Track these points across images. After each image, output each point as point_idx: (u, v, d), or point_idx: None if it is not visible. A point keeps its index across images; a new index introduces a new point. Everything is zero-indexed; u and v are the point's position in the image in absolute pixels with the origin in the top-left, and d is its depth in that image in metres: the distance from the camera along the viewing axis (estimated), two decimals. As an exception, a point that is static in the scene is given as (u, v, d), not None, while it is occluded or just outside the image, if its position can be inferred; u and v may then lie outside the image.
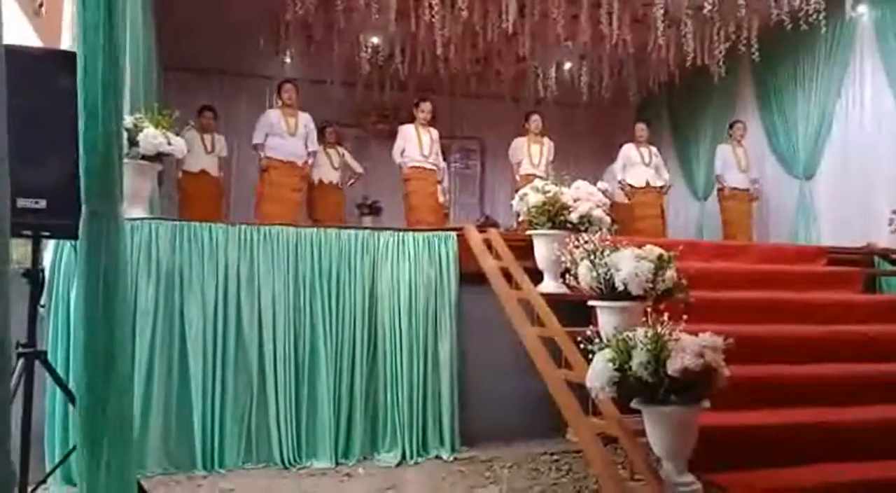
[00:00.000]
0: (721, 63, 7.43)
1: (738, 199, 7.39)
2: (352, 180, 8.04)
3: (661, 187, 7.66)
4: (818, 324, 4.17)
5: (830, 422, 3.31)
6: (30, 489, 3.15)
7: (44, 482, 3.34)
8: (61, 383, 3.27)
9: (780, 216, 7.60)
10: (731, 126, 7.65)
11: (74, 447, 2.67)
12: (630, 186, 7.55)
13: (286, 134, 6.53)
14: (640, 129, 7.70)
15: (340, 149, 8.00)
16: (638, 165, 7.57)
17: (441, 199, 7.99)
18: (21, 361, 3.05)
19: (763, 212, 7.71)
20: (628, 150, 7.63)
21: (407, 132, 6.90)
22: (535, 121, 7.41)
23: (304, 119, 6.67)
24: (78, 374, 2.12)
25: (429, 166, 6.90)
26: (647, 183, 7.55)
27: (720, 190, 7.52)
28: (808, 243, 6.71)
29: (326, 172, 7.67)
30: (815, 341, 3.95)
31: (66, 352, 3.65)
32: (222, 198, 7.43)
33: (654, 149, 7.76)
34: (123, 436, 2.15)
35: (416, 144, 6.83)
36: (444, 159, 8.06)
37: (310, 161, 6.83)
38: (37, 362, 3.18)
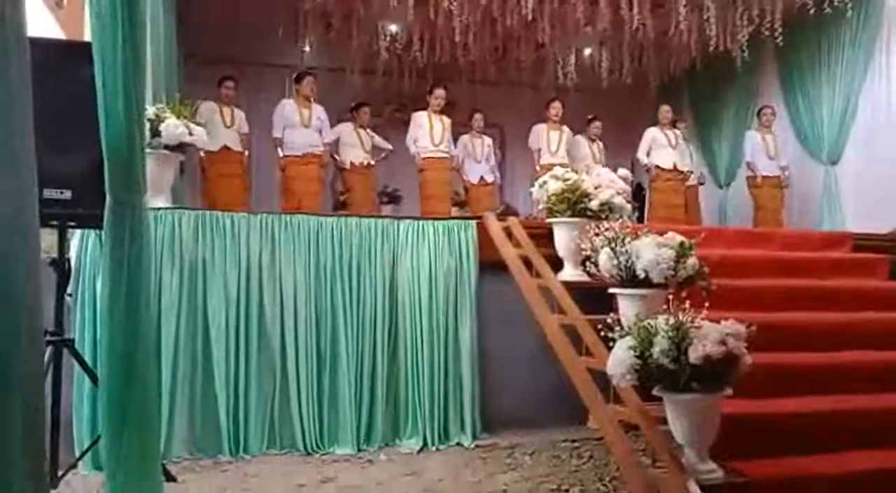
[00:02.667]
0: (744, 48, 7.31)
1: (770, 185, 7.29)
2: (383, 155, 7.56)
3: (687, 172, 7.56)
4: (843, 311, 4.12)
5: (854, 410, 3.28)
6: (59, 473, 3.22)
7: (73, 467, 3.41)
8: (89, 371, 3.33)
9: (805, 202, 7.50)
10: (758, 112, 7.52)
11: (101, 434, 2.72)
12: (657, 167, 7.45)
13: (300, 126, 6.49)
14: (665, 110, 7.57)
15: (370, 131, 7.49)
16: (664, 147, 7.45)
17: (490, 178, 7.63)
18: (49, 348, 3.11)
19: (787, 198, 7.60)
20: (653, 132, 7.51)
21: (419, 120, 6.88)
22: (556, 108, 7.37)
23: (318, 111, 6.62)
24: (104, 362, 2.16)
25: (441, 155, 6.86)
26: (675, 166, 7.44)
27: (751, 178, 7.40)
28: (832, 230, 6.62)
29: (357, 154, 7.20)
30: (840, 329, 3.91)
31: (94, 340, 3.71)
32: (246, 176, 6.93)
33: (678, 131, 7.64)
34: (148, 423, 2.19)
35: (427, 132, 6.80)
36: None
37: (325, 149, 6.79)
38: (65, 350, 3.25)
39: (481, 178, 7.51)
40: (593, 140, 7.80)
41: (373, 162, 7.32)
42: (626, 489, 3.32)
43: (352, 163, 7.16)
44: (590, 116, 7.86)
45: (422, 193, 6.92)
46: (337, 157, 7.15)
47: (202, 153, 6.45)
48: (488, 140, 7.72)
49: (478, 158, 7.49)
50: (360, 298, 4.35)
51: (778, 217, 7.20)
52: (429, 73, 8.60)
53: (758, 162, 7.30)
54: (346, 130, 7.20)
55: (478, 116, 7.67)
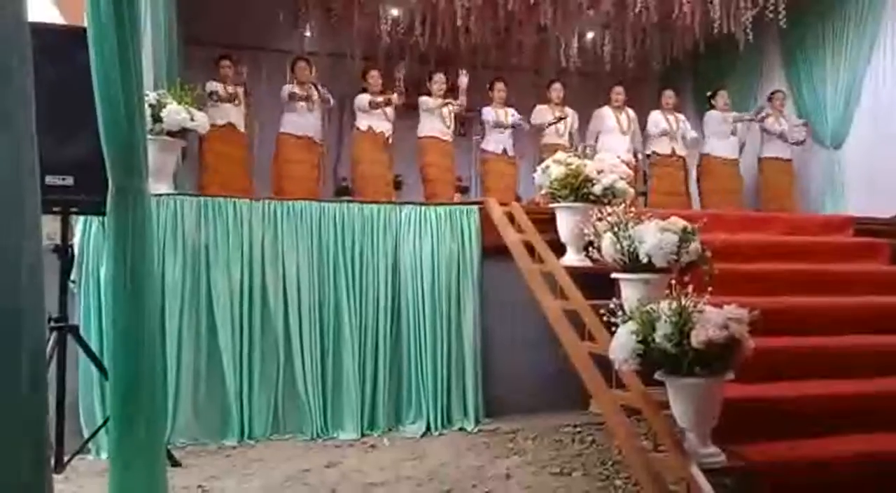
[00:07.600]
0: (748, 30, 7.25)
1: (779, 168, 7.25)
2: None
3: (685, 158, 7.52)
4: (844, 296, 4.13)
5: (856, 394, 3.29)
6: (65, 459, 3.25)
7: (79, 452, 3.44)
8: (94, 357, 3.35)
9: (808, 186, 7.47)
10: (770, 96, 7.46)
11: (108, 419, 2.74)
12: (655, 153, 7.41)
13: (302, 110, 6.47)
14: (668, 95, 7.49)
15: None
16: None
17: (512, 153, 7.00)
18: (54, 334, 3.13)
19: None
20: (655, 116, 7.47)
21: (429, 103, 6.82)
22: (557, 89, 7.28)
23: (321, 91, 6.59)
24: (110, 349, 2.17)
25: (447, 139, 6.83)
26: (673, 151, 7.40)
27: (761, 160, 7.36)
28: (834, 214, 6.60)
29: (376, 119, 6.65)
30: (842, 313, 3.90)
31: (99, 327, 3.72)
32: (249, 159, 6.54)
33: (681, 116, 7.56)
34: (154, 409, 2.20)
35: (437, 114, 6.75)
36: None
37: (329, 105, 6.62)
38: (69, 336, 3.26)
39: (504, 150, 6.94)
40: (619, 108, 7.36)
41: (388, 136, 6.62)
42: (629, 473, 3.33)
43: (370, 127, 6.60)
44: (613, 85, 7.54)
45: (424, 176, 6.86)
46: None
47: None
48: (512, 110, 7.01)
49: (505, 125, 6.92)
50: (363, 283, 4.36)
51: (786, 201, 7.13)
52: (430, 58, 8.55)
53: (765, 144, 7.24)
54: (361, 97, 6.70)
55: (499, 85, 7.00)
